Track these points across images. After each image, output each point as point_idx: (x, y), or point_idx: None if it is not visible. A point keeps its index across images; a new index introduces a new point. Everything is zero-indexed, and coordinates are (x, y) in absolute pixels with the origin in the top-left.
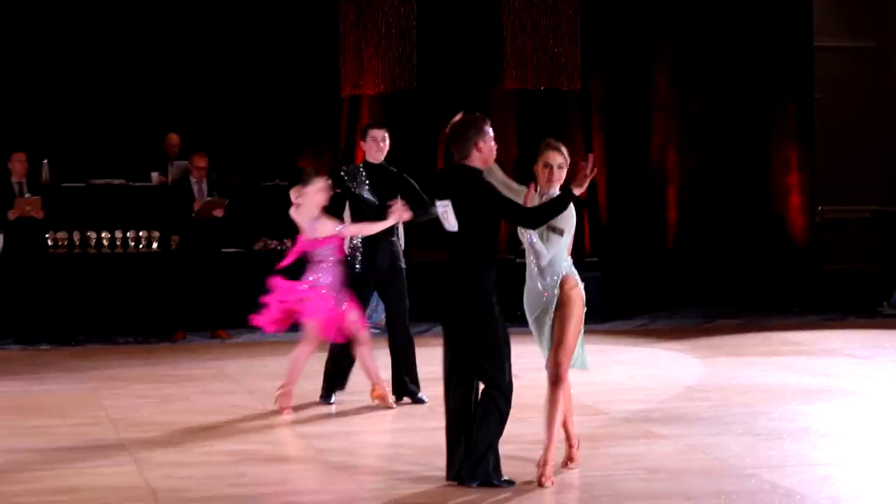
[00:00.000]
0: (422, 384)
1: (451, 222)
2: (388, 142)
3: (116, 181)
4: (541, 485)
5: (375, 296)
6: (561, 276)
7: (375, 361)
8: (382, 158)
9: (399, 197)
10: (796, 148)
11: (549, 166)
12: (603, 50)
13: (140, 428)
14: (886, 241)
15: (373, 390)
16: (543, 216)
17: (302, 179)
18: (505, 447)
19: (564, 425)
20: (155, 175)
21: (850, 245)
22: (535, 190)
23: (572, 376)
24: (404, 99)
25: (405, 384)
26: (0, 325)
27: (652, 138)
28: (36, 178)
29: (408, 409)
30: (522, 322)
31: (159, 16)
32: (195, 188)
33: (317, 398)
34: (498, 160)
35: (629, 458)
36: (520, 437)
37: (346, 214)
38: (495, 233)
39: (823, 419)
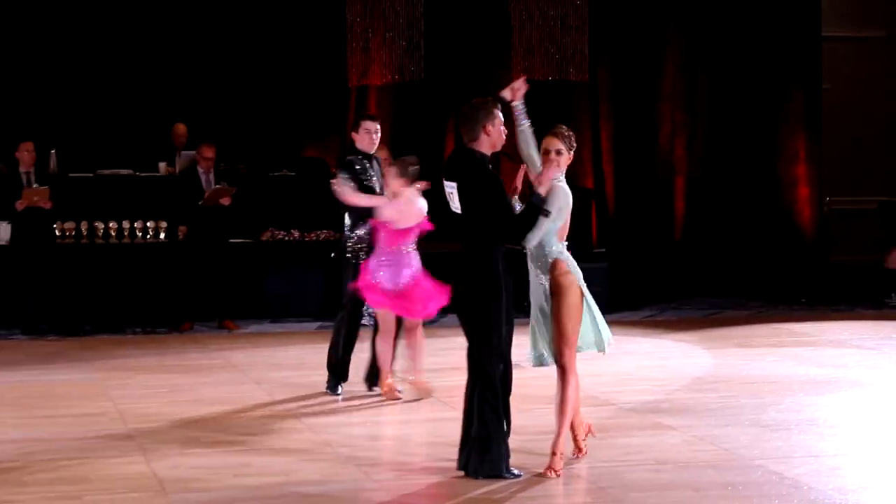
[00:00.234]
0: (428, 375)
1: (455, 204)
2: (379, 134)
3: (124, 171)
4: (547, 475)
5: None
6: (551, 261)
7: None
8: (374, 150)
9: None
10: (804, 138)
11: (547, 152)
12: (611, 40)
13: (147, 418)
14: (894, 232)
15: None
16: (522, 229)
17: (402, 168)
18: (512, 438)
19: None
20: (162, 165)
21: (858, 236)
22: (520, 187)
23: (581, 367)
24: (412, 89)
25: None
26: (8, 316)
27: (660, 129)
28: (44, 169)
29: (416, 400)
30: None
31: (167, 6)
32: (203, 178)
33: (322, 390)
34: (505, 150)
35: (637, 449)
36: (527, 428)
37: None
38: (500, 215)
39: (831, 410)
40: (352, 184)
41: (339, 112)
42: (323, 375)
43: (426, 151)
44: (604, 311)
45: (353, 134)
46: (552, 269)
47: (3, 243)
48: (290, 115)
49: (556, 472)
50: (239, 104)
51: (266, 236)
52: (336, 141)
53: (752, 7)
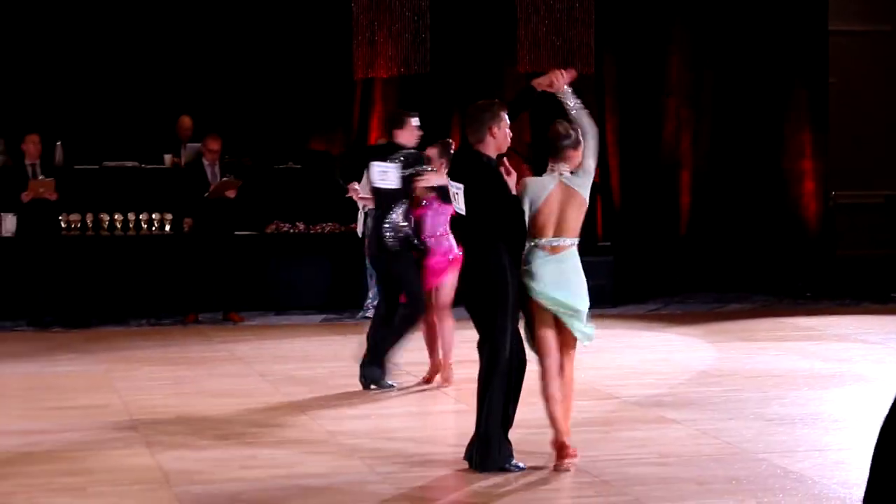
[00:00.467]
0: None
1: (460, 204)
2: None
3: (129, 163)
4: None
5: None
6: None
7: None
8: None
9: None
10: (810, 133)
11: None
12: (617, 34)
13: (152, 410)
14: None
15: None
16: (519, 231)
17: (444, 149)
18: (515, 432)
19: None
20: (168, 157)
21: (864, 230)
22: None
23: (586, 360)
24: (417, 82)
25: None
26: (13, 307)
27: (665, 123)
28: (49, 161)
29: (420, 392)
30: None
31: None
32: (208, 171)
33: (326, 382)
34: (511, 146)
35: (641, 443)
36: (529, 422)
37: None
38: (508, 214)
39: (835, 405)
40: (432, 168)
41: (345, 105)
42: (327, 367)
43: (432, 144)
44: (609, 305)
45: (396, 130)
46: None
47: (8, 235)
48: (295, 108)
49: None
50: (244, 97)
51: (271, 229)
52: (341, 133)
53: (758, 1)
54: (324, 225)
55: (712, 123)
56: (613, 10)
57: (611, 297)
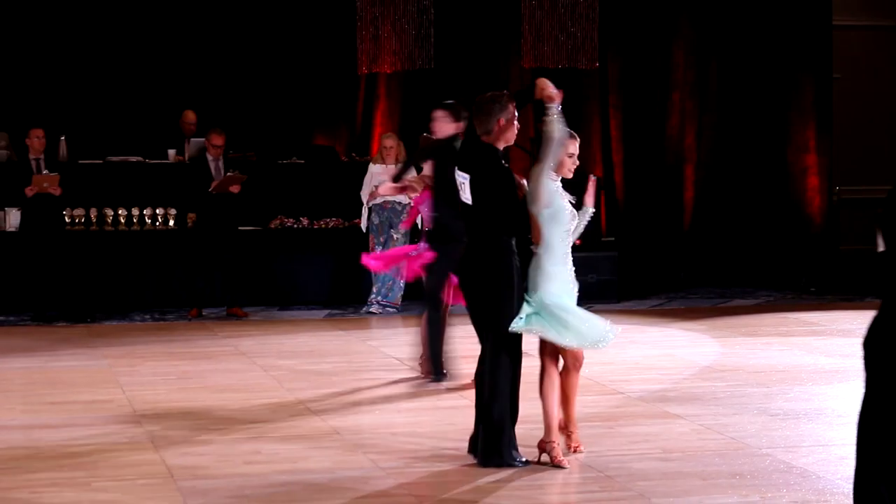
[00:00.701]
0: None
1: (466, 194)
2: None
3: (133, 158)
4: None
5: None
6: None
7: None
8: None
9: None
10: (814, 128)
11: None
12: (621, 29)
13: (156, 405)
14: None
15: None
16: (523, 223)
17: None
18: (519, 427)
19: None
20: (171, 152)
21: (868, 226)
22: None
23: (589, 355)
24: (421, 77)
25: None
26: (17, 302)
27: (669, 118)
28: (53, 155)
29: (424, 387)
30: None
31: None
32: (212, 166)
33: (331, 377)
34: (516, 140)
35: (644, 438)
36: (533, 417)
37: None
38: (513, 206)
39: (839, 400)
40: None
41: (349, 100)
42: (331, 362)
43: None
44: (612, 300)
45: (433, 125)
46: None
47: (12, 230)
48: (299, 103)
49: (563, 461)
50: (248, 92)
51: (275, 224)
52: (345, 129)
53: None
54: (328, 220)
55: (716, 118)
56: (618, 4)
57: (615, 293)
